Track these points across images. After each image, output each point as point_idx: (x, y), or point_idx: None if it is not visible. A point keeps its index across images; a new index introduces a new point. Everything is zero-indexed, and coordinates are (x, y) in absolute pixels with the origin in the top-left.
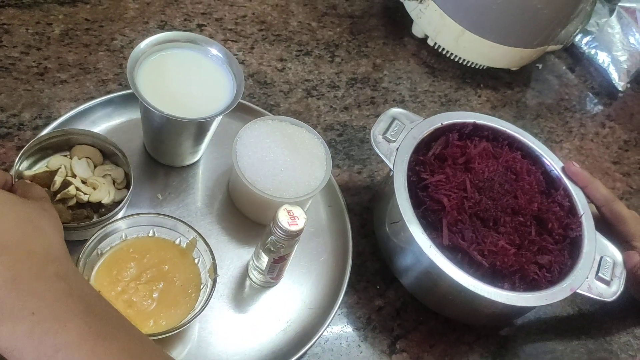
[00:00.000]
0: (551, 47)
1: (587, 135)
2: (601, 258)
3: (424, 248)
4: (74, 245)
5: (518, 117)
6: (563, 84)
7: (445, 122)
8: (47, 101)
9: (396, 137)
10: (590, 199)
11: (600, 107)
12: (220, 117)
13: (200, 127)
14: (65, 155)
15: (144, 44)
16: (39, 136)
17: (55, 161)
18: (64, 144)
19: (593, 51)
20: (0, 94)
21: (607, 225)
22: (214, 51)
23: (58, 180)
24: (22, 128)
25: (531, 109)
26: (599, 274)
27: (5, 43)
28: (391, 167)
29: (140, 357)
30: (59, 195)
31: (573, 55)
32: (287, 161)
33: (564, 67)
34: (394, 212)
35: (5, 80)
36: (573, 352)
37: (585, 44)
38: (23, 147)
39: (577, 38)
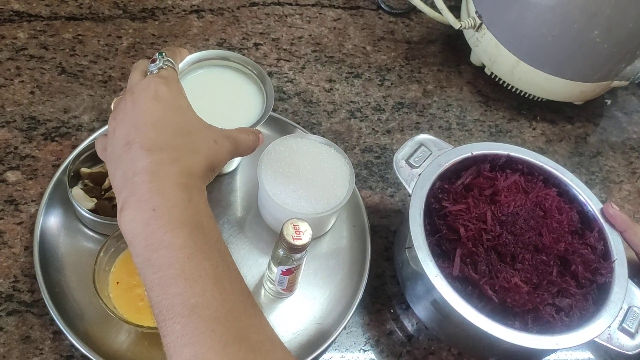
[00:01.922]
0: (616, 83)
1: None
2: (629, 308)
3: (430, 276)
4: None
5: (575, 153)
6: (633, 122)
7: (476, 152)
8: (105, 106)
9: (420, 163)
10: (628, 244)
11: None
12: None
13: None
14: None
15: (181, 63)
16: (92, 138)
17: None
18: None
19: None
20: (66, 97)
21: None
22: (247, 68)
23: (108, 180)
24: (80, 129)
25: (591, 146)
26: (623, 325)
27: (77, 52)
28: (410, 192)
29: (221, 279)
30: (107, 194)
31: None
32: (309, 178)
33: (638, 105)
34: (409, 237)
35: (72, 85)
36: None
37: None
38: (77, 146)
39: None
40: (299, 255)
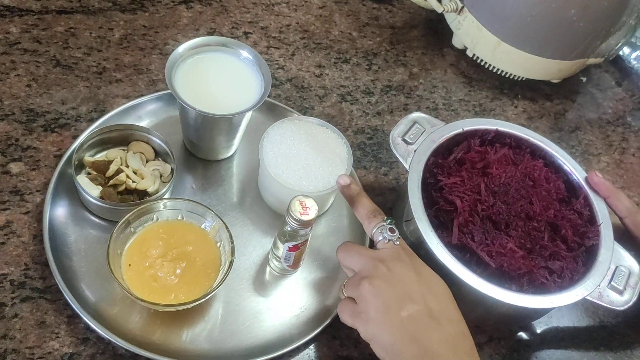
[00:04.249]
0: (591, 60)
1: (628, 149)
2: (616, 267)
3: (431, 245)
4: (114, 225)
5: (555, 129)
6: (607, 98)
7: (467, 128)
8: (102, 97)
9: (415, 139)
10: (612, 209)
11: None
12: (250, 113)
13: (230, 123)
14: (123, 150)
15: (181, 48)
16: (93, 128)
17: (113, 153)
18: (123, 138)
19: None
20: (63, 89)
21: (629, 237)
22: (244, 54)
23: (113, 168)
24: (79, 120)
25: (570, 122)
26: (612, 283)
27: (70, 45)
28: (407, 168)
29: None
30: (111, 181)
31: (621, 70)
32: (309, 158)
33: (611, 82)
34: (407, 210)
35: (68, 77)
36: None
37: (635, 59)
38: (78, 136)
39: (626, 52)
40: (305, 230)
